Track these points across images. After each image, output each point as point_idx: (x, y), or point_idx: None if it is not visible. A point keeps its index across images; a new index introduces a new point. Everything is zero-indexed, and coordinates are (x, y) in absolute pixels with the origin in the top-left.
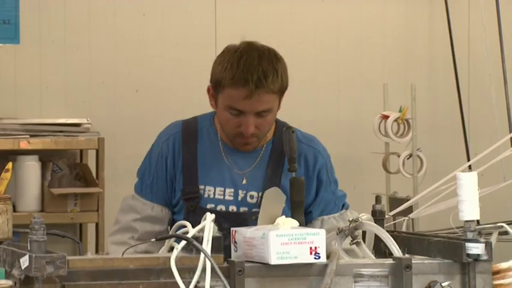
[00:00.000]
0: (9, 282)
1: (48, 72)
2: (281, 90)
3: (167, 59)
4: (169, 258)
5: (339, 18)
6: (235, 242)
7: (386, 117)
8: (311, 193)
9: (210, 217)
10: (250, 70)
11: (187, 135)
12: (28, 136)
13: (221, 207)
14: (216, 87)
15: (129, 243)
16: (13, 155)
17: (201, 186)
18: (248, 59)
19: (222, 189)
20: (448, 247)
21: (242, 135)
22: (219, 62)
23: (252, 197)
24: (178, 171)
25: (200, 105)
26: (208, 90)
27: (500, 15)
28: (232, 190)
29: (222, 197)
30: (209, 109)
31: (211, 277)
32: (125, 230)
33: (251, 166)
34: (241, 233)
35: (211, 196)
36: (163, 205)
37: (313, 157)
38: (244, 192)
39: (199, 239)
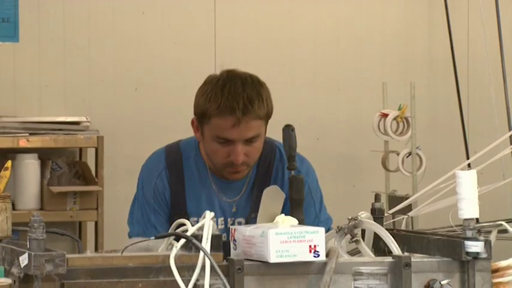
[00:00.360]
0: (9, 281)
1: (48, 71)
2: (267, 116)
3: (166, 58)
4: (168, 256)
5: (339, 16)
6: (234, 240)
7: (385, 115)
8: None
9: (209, 215)
10: (235, 98)
11: (173, 171)
12: (27, 134)
13: None
14: (200, 119)
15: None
16: (12, 153)
17: (194, 218)
18: (231, 86)
19: (214, 219)
20: (447, 245)
21: (232, 165)
22: (201, 93)
23: (240, 223)
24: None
25: None
26: (192, 123)
27: (500, 14)
28: (223, 219)
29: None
30: None
31: (210, 275)
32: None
33: (240, 193)
34: (241, 231)
35: None
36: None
37: None
38: (233, 219)
39: (198, 237)
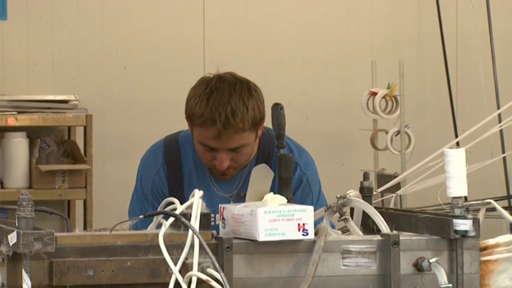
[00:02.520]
0: None
1: (36, 49)
2: (254, 125)
3: (155, 36)
4: (157, 234)
5: None
6: (223, 218)
7: (374, 94)
8: None
9: (198, 193)
10: (218, 109)
11: (171, 167)
12: (16, 113)
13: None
14: (189, 121)
15: None
16: (1, 131)
17: None
18: (217, 96)
19: (212, 215)
20: (436, 223)
21: (216, 168)
22: (191, 96)
23: None
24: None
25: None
26: (187, 119)
27: None
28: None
29: (213, 223)
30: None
31: (199, 254)
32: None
33: (237, 187)
34: (230, 210)
35: None
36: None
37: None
38: None
39: (187, 215)
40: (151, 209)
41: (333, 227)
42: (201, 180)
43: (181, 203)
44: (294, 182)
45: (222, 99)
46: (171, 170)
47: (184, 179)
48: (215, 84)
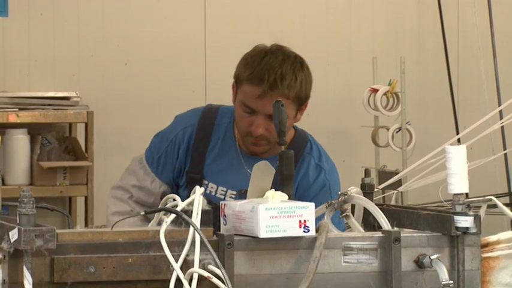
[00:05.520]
0: None
1: (37, 46)
2: (298, 99)
3: (156, 33)
4: (158, 231)
5: None
6: (224, 215)
7: (375, 90)
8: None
9: (199, 190)
10: (268, 70)
11: (202, 130)
12: (17, 109)
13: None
14: (236, 82)
15: (126, 202)
16: (2, 128)
17: (205, 181)
18: (271, 59)
19: (224, 189)
20: (437, 220)
21: (252, 135)
22: (244, 58)
23: None
24: (188, 161)
25: (188, 78)
26: (232, 86)
27: None
28: (235, 193)
29: (222, 197)
30: (198, 82)
31: (200, 250)
32: (124, 190)
33: None
34: (231, 207)
35: (213, 193)
36: (164, 182)
37: (317, 174)
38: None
39: (188, 212)
40: (159, 156)
41: (343, 230)
42: (226, 152)
43: (200, 168)
44: (316, 185)
45: (274, 63)
46: (200, 133)
47: (209, 145)
48: (271, 48)
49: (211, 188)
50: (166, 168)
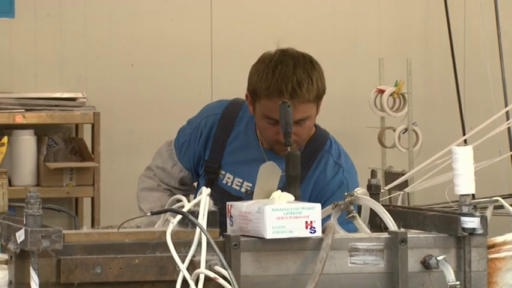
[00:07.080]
0: (5, 256)
1: (44, 46)
2: (318, 97)
3: (162, 34)
4: (165, 232)
5: None
6: (231, 216)
7: (382, 91)
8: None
9: (205, 191)
10: (284, 80)
11: (224, 121)
12: (23, 110)
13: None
14: (252, 96)
15: (153, 178)
16: (8, 129)
17: (222, 171)
18: (283, 68)
19: (241, 180)
20: (444, 221)
21: (281, 143)
22: (255, 71)
23: None
24: (208, 150)
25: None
26: (246, 97)
27: None
28: (250, 185)
29: (238, 188)
30: (204, 83)
31: (206, 251)
32: (150, 170)
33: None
34: (237, 208)
35: (229, 184)
36: (186, 168)
37: (335, 172)
38: None
39: (195, 213)
40: (183, 139)
41: (354, 230)
42: (246, 145)
43: (219, 159)
44: (334, 183)
45: (287, 71)
46: (222, 123)
47: (230, 136)
48: (279, 57)
49: (228, 178)
50: (188, 153)
